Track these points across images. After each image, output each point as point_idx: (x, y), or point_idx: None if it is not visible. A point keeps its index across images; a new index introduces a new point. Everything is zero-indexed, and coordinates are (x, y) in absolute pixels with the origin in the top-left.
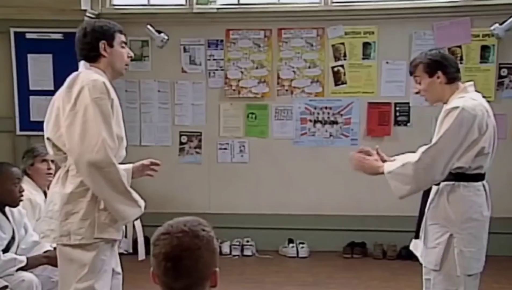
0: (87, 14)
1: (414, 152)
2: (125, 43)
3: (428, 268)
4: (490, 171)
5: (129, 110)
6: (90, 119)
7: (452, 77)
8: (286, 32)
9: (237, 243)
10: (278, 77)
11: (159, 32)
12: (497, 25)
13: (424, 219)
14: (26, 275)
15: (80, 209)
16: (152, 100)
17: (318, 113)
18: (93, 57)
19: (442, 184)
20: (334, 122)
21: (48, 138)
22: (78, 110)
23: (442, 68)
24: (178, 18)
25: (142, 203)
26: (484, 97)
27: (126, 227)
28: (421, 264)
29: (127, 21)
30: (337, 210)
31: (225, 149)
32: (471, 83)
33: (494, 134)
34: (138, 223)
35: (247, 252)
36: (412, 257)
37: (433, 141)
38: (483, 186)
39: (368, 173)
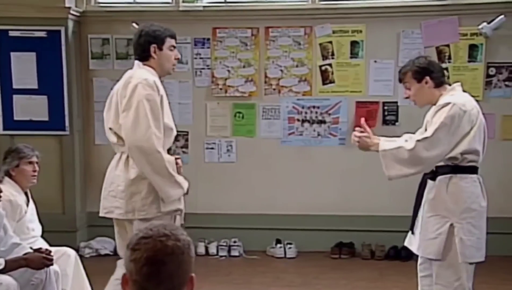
0: (71, 12)
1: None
2: (174, 47)
3: (429, 259)
4: (479, 171)
5: None
6: (141, 113)
7: (439, 81)
8: (274, 30)
9: (224, 244)
10: (266, 76)
11: None
12: (485, 24)
13: (421, 213)
14: (4, 278)
15: (142, 190)
16: None
17: (306, 112)
18: (145, 57)
19: (439, 178)
20: (322, 122)
21: (110, 128)
22: (132, 104)
23: (430, 73)
24: (164, 16)
25: (185, 185)
26: (472, 96)
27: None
28: (410, 262)
29: (112, 19)
30: (325, 210)
31: (212, 148)
32: (459, 83)
33: (484, 129)
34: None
35: (234, 253)
36: (400, 257)
37: (427, 133)
38: (478, 178)
39: (362, 148)
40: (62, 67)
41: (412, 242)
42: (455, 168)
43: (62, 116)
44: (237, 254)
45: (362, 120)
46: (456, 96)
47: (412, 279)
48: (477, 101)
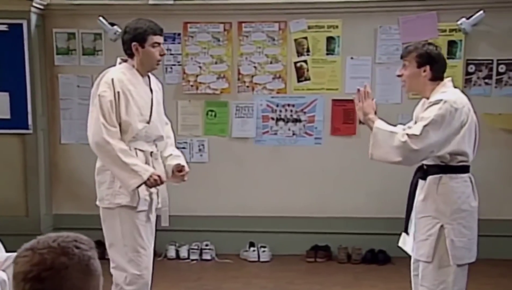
0: (34, 4)
1: None
2: (159, 43)
3: (421, 260)
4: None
5: (81, 107)
6: (94, 110)
7: (437, 76)
8: (247, 25)
9: (196, 247)
10: (239, 73)
11: (112, 24)
12: (464, 19)
13: (413, 214)
14: None
15: (106, 180)
16: None
17: (280, 111)
18: (129, 54)
19: (429, 178)
20: (297, 120)
21: None
22: (92, 103)
23: (432, 63)
24: (133, 10)
25: (144, 173)
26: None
27: (151, 198)
28: (388, 265)
29: (78, 13)
30: (300, 212)
31: (184, 148)
32: (449, 78)
33: (476, 128)
34: (163, 191)
35: (206, 256)
36: (377, 261)
37: (416, 130)
38: (469, 178)
39: (361, 116)
40: (25, 62)
41: (406, 243)
42: (445, 168)
43: (25, 114)
44: (209, 257)
45: (367, 85)
46: (447, 93)
47: (388, 283)
48: None
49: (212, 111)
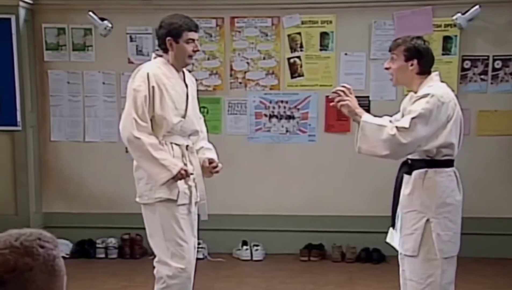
0: None
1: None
2: (193, 40)
3: (406, 255)
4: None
5: (72, 104)
6: (127, 105)
7: (425, 70)
8: (239, 21)
9: None
10: (231, 69)
11: (103, 19)
12: (459, 14)
13: (398, 209)
14: None
15: (144, 176)
16: (97, 93)
17: (273, 107)
18: (163, 49)
19: (415, 172)
20: (291, 117)
21: None
22: (127, 96)
23: (420, 57)
24: (123, 5)
25: (173, 168)
26: (449, 87)
27: (190, 191)
28: (382, 264)
29: (68, 8)
30: (294, 210)
31: None
32: (437, 72)
33: (461, 123)
34: (201, 184)
35: (198, 255)
36: (372, 259)
37: (404, 123)
38: (454, 172)
39: (346, 112)
40: (13, 58)
41: (393, 239)
42: (431, 162)
43: (14, 111)
44: (201, 256)
45: (346, 84)
46: (434, 87)
47: (382, 282)
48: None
49: (204, 107)
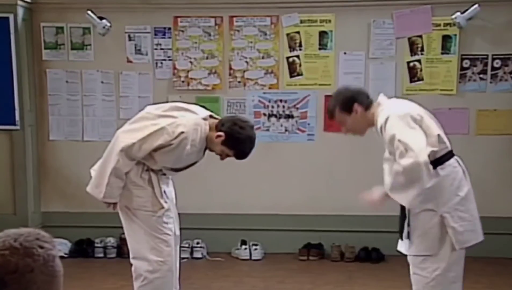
0: None
1: (372, 147)
2: (228, 156)
3: (422, 255)
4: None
5: (71, 103)
6: (144, 125)
7: (367, 103)
8: (238, 20)
9: (187, 245)
10: (230, 68)
11: (101, 18)
12: (458, 13)
13: (407, 213)
14: None
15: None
16: (95, 92)
17: (272, 107)
18: (219, 122)
19: None
20: (290, 116)
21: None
22: (157, 123)
23: (355, 100)
24: (122, 4)
25: (106, 197)
26: (443, 90)
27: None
28: (381, 264)
29: (66, 7)
30: (292, 209)
31: None
32: (381, 94)
33: (436, 120)
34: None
35: (197, 255)
36: (371, 259)
37: (399, 151)
38: (457, 161)
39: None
40: (12, 57)
41: (403, 245)
42: (433, 163)
43: (12, 110)
44: (200, 256)
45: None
46: (387, 109)
47: (381, 282)
48: (450, 95)
49: (203, 106)
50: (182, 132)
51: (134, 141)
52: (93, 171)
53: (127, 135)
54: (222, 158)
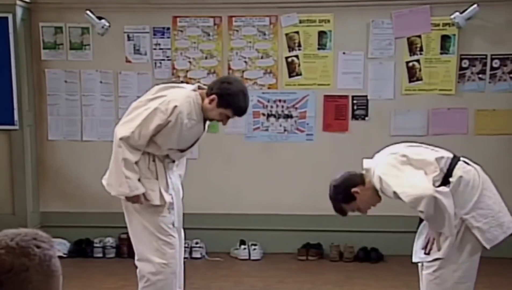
0: None
1: (371, 147)
2: (228, 117)
3: (439, 259)
4: None
5: (69, 103)
6: (137, 113)
7: (360, 179)
8: (237, 20)
9: (186, 245)
10: (229, 68)
11: (100, 18)
12: (457, 13)
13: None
14: None
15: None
16: (94, 92)
17: (271, 107)
18: (210, 90)
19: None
20: (289, 116)
21: None
22: (147, 103)
23: (352, 186)
24: (121, 4)
25: (132, 190)
26: (442, 90)
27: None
28: (380, 264)
29: (65, 7)
30: (292, 209)
31: None
32: (363, 160)
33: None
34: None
35: (196, 255)
36: (370, 259)
37: (405, 188)
38: (464, 162)
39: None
40: (10, 57)
41: (416, 253)
42: (444, 178)
43: (11, 110)
44: (199, 256)
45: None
46: (376, 170)
47: (380, 282)
48: (449, 95)
49: None
50: (176, 106)
51: (132, 130)
52: (105, 181)
53: (124, 127)
54: (224, 123)
